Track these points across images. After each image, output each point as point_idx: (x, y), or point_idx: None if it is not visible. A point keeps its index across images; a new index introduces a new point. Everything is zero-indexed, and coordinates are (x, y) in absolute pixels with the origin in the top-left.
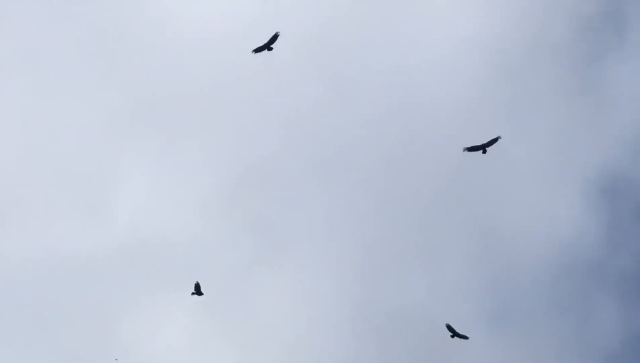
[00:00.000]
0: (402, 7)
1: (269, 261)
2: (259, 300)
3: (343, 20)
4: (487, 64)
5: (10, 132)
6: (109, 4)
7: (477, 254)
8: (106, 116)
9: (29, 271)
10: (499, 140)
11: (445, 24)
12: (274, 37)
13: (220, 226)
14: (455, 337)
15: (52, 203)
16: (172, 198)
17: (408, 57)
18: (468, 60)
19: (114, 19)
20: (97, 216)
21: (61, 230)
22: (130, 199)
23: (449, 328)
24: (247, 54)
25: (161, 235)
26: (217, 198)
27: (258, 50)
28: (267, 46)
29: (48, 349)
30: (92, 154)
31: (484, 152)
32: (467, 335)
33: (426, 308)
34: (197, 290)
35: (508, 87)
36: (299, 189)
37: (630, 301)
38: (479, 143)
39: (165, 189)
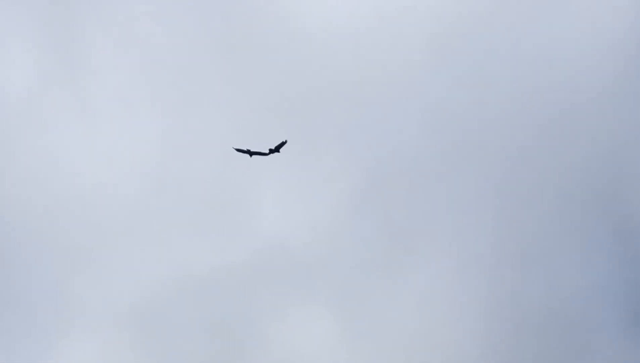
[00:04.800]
0: None
1: (404, 264)
2: (393, 303)
3: (472, 13)
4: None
5: (150, 151)
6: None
7: (621, 252)
8: (241, 130)
9: (171, 286)
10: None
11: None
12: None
13: (354, 230)
14: None
15: (191, 217)
16: (308, 206)
17: (544, 46)
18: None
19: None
20: (234, 227)
21: (201, 244)
22: (267, 208)
23: None
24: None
25: (298, 242)
26: (350, 202)
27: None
28: (274, 150)
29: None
30: (227, 169)
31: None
32: None
33: (567, 309)
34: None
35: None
36: (431, 191)
37: None
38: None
39: (301, 197)
